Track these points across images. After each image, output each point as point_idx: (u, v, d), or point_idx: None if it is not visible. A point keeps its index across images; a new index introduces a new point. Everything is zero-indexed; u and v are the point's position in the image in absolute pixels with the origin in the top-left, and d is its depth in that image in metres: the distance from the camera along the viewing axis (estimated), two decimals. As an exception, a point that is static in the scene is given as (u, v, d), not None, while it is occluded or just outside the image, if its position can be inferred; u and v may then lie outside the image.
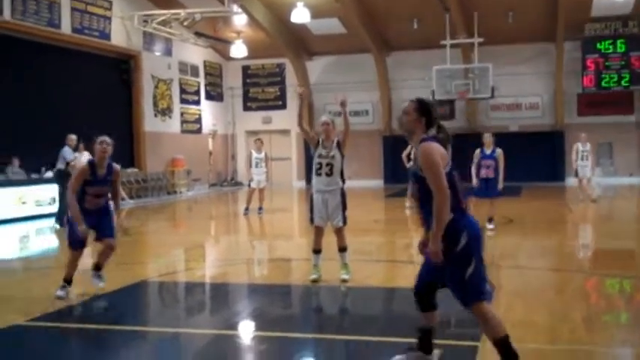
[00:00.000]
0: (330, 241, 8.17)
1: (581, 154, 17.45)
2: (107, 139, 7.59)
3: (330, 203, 7.98)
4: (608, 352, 5.56)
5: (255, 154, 16.40)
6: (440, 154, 4.64)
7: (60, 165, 14.87)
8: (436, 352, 5.07)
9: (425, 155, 4.60)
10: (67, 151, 14.98)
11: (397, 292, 7.83)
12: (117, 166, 7.76)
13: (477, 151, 12.92)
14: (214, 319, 7.01)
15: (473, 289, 4.57)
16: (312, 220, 8.05)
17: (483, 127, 25.55)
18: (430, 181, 4.53)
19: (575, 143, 17.73)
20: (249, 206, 16.25)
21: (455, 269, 4.57)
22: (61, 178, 14.30)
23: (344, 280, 7.89)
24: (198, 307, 7.55)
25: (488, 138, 13.00)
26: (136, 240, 13.34)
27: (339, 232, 8.09)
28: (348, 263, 8.08)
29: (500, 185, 12.58)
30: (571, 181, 20.92)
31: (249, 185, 16.64)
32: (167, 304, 7.97)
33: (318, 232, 8.02)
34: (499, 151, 12.72)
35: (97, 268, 7.64)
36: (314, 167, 8.02)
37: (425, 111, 4.90)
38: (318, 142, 8.08)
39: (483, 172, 12.61)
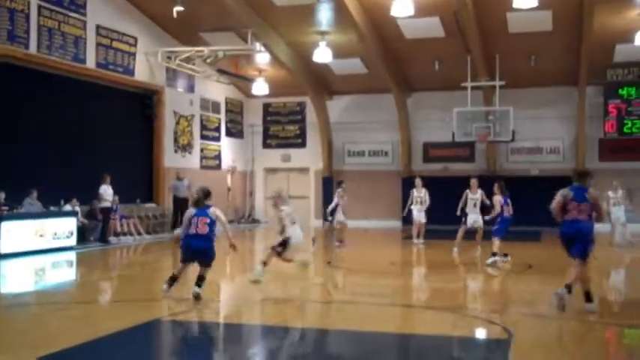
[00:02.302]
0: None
1: (612, 201, 17.53)
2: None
3: None
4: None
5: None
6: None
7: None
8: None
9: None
10: (104, 188, 18.40)
11: (416, 339, 7.68)
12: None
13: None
14: (227, 361, 6.90)
15: None
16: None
17: (503, 170, 25.51)
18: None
19: (607, 192, 17.69)
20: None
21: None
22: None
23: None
24: (211, 348, 7.44)
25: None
26: (151, 276, 13.30)
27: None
28: None
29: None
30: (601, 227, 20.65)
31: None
32: (179, 344, 7.86)
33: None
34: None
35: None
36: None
37: None
38: None
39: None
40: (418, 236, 19.05)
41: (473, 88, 23.29)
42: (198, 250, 9.51)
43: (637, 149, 24.24)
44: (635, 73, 23.61)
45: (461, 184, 25.57)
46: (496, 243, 13.88)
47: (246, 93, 27.97)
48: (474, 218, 15.95)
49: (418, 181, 19.18)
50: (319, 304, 10.24)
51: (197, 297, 9.36)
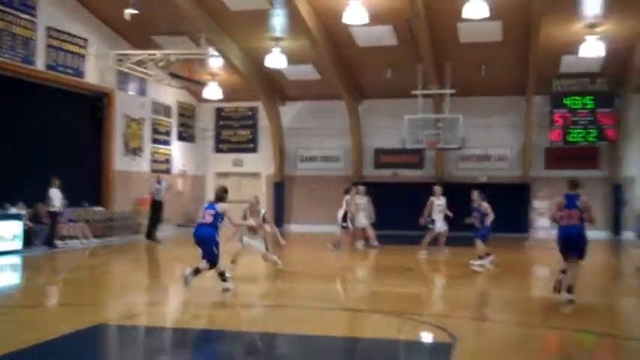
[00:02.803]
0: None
1: (540, 211, 18.02)
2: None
3: None
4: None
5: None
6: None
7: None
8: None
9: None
10: (53, 192, 17.91)
11: (363, 343, 7.74)
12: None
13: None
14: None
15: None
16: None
17: (452, 177, 25.87)
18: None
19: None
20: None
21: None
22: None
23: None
24: (156, 354, 7.38)
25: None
26: (98, 280, 13.12)
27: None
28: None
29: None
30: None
31: None
32: (123, 349, 7.78)
33: None
34: None
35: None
36: None
37: None
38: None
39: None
40: (368, 240, 19.25)
41: (424, 96, 23.56)
42: (201, 235, 10.76)
43: (581, 158, 24.86)
44: (580, 84, 24.19)
45: (410, 190, 26.04)
46: (481, 247, 14.67)
47: (198, 97, 27.79)
48: (440, 224, 17.15)
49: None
50: (267, 308, 10.24)
51: (226, 289, 10.78)
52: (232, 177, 28.52)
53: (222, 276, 10.85)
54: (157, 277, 14.38)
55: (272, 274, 13.38)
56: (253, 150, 28.42)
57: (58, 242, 18.54)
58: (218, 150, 28.86)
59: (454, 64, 22.96)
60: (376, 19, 19.63)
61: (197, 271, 10.62)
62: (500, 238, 19.89)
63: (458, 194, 18.31)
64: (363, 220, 19.54)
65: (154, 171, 25.14)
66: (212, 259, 10.65)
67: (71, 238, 19.39)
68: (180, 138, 27.41)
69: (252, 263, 16.26)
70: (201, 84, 25.80)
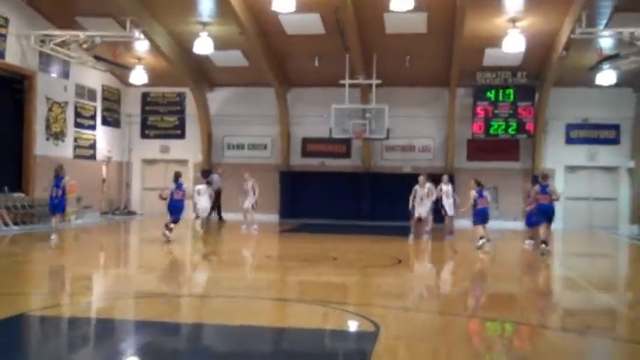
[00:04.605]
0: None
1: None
2: None
3: None
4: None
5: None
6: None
7: None
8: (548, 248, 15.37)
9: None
10: None
11: (287, 332, 7.78)
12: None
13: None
14: (96, 358, 6.74)
15: None
16: None
17: (378, 167, 26.21)
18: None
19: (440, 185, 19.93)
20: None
21: None
22: None
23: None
24: (80, 345, 7.24)
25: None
26: (18, 269, 12.75)
27: None
28: None
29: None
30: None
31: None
32: (46, 340, 7.60)
33: None
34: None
35: None
36: None
37: None
38: None
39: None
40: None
41: (351, 85, 23.72)
42: (177, 207, 17.04)
43: (501, 150, 25.59)
44: (502, 77, 24.80)
45: (337, 179, 26.25)
46: (479, 230, 16.49)
47: (124, 81, 27.22)
48: (420, 210, 18.69)
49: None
50: (191, 297, 10.18)
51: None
52: (159, 164, 28.14)
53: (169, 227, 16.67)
54: (79, 265, 14.05)
55: (196, 263, 13.29)
56: (181, 136, 28.07)
57: (-24, 229, 17.92)
58: (144, 136, 28.37)
59: (380, 55, 23.22)
60: (304, 6, 19.64)
61: (168, 227, 16.62)
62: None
63: (384, 185, 18.66)
64: (247, 203, 21.09)
65: (76, 157, 24.55)
66: (178, 220, 17.01)
67: (-10, 224, 18.77)
68: (105, 123, 26.81)
69: (179, 254, 16.15)
70: (127, 68, 25.29)
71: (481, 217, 16.59)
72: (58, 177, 16.46)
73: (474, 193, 16.56)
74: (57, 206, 16.50)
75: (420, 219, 18.81)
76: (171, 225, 16.73)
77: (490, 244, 16.64)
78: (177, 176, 17.21)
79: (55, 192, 16.36)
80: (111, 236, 20.71)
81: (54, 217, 16.68)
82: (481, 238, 16.27)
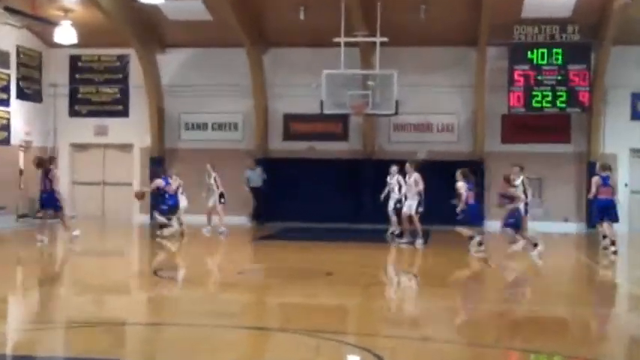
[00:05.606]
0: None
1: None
2: None
3: None
4: None
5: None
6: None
7: None
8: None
9: None
10: None
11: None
12: None
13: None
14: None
15: None
16: None
17: (383, 153, 26.10)
18: None
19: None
20: None
21: None
22: None
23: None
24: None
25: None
26: None
27: None
28: None
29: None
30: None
31: None
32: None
33: None
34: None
35: None
36: None
37: None
38: None
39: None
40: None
41: (347, 44, 23.60)
42: (177, 204, 20.87)
43: (547, 128, 25.46)
44: (548, 33, 24.77)
45: (330, 169, 26.21)
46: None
47: (46, 41, 27.12)
48: (408, 203, 19.95)
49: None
50: (140, 326, 10.20)
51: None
52: (94, 150, 28.06)
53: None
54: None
55: (146, 281, 13.30)
56: (123, 114, 27.98)
57: None
58: (74, 113, 28.26)
59: (386, 4, 23.12)
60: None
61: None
62: (446, 232, 20.44)
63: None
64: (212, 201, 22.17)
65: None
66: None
67: None
68: (22, 96, 26.69)
69: (123, 269, 16.17)
70: (50, 23, 25.18)
71: (472, 214, 18.62)
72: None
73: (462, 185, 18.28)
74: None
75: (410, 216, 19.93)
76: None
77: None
78: (164, 170, 21.12)
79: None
80: (32, 247, 20.68)
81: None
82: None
